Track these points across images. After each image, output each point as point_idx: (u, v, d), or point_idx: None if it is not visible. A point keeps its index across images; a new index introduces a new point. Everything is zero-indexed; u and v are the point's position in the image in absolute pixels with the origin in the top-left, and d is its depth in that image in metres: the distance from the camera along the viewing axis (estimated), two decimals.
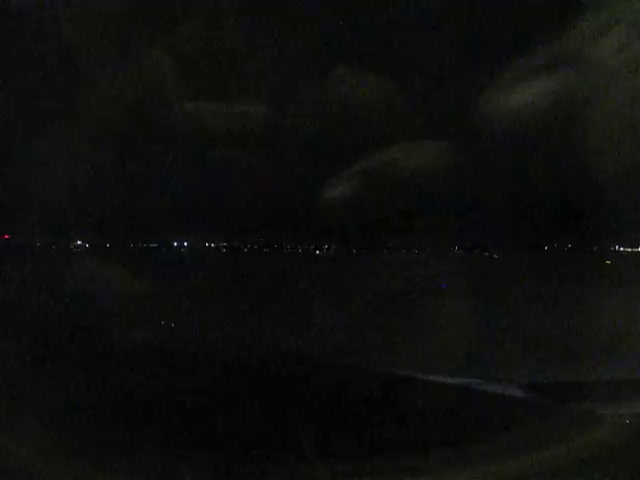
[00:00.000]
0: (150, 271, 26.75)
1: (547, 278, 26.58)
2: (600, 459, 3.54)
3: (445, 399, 5.25)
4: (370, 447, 3.91)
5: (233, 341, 9.02)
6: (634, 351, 8.01)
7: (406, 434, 4.20)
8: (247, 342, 9.04)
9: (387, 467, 3.49)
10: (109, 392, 5.08)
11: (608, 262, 36.70)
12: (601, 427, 4.11)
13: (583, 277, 27.17)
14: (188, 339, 8.85)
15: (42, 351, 6.88)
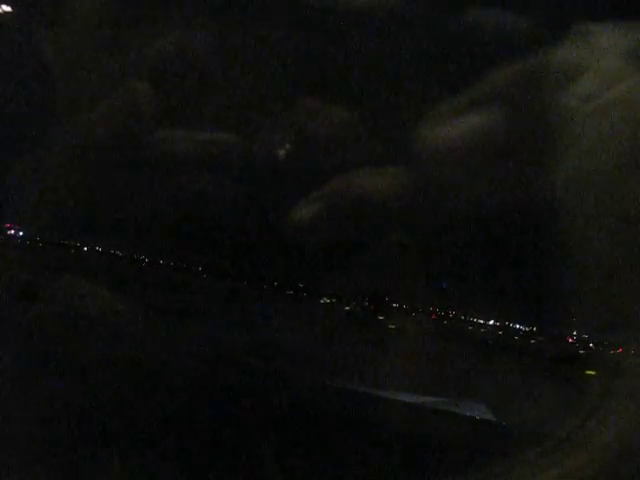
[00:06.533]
0: None
1: None
2: None
3: (412, 419, 4.97)
4: (330, 471, 3.54)
5: None
6: None
7: (373, 458, 3.87)
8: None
9: None
10: None
11: None
12: (575, 451, 3.93)
13: None
14: None
15: None
